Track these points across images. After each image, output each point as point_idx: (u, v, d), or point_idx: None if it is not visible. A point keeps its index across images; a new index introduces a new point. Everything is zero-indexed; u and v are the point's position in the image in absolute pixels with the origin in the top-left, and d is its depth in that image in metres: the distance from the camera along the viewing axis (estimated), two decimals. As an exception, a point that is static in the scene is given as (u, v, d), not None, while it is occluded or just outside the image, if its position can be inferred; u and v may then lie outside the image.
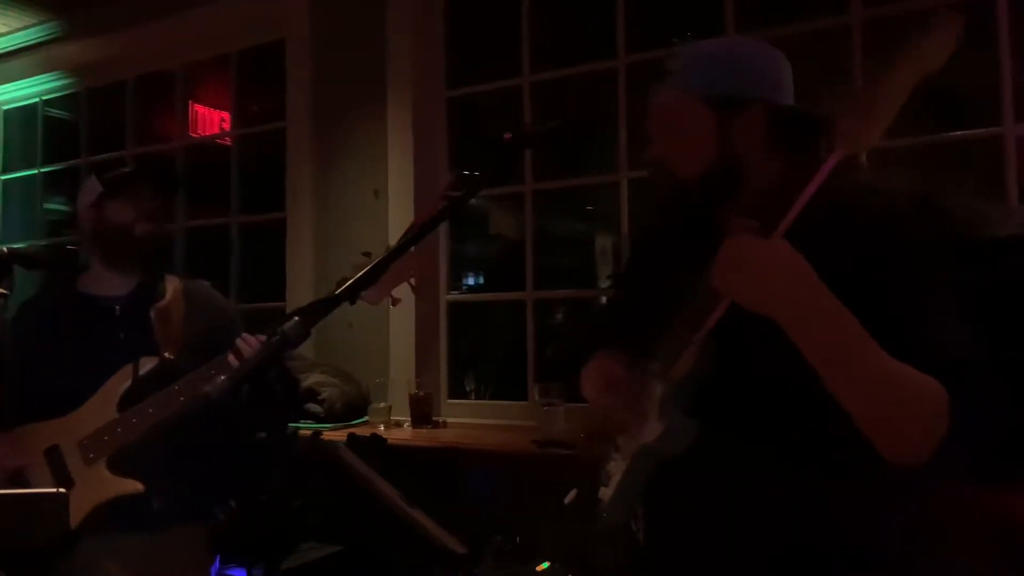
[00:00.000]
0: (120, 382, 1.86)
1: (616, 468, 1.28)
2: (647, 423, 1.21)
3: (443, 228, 3.11)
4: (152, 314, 1.94)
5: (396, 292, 1.60)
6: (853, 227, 1.10)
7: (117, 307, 1.95)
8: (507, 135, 1.16)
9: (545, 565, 2.20)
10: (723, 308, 1.08)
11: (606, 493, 1.28)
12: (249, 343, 1.81)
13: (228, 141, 4.02)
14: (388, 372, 2.96)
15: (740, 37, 1.41)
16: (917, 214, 1.16)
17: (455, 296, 3.14)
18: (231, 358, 1.79)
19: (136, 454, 1.82)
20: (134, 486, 1.80)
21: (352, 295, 1.04)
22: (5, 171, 4.47)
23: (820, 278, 1.01)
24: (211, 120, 4.46)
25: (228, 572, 2.36)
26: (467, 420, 2.91)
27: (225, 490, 1.96)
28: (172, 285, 2.03)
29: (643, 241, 1.52)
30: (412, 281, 1.65)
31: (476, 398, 3.10)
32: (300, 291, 3.29)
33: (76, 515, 1.76)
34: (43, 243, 1.75)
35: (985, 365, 1.06)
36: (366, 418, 2.87)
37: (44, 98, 4.35)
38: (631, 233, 2.71)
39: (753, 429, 1.14)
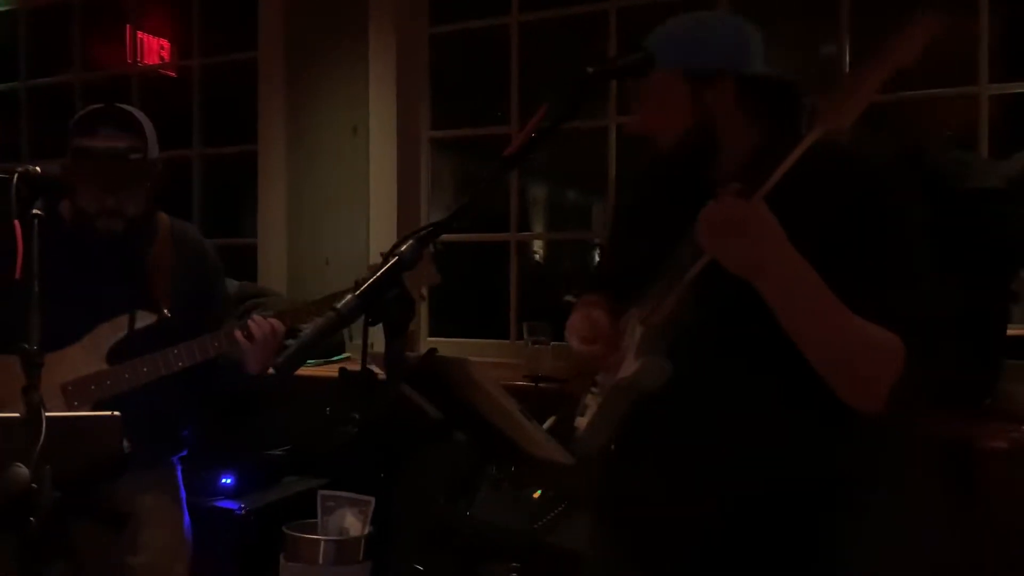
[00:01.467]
0: (113, 331, 1.78)
1: (593, 401, 1.36)
2: (625, 361, 1.29)
3: (424, 171, 3.11)
4: (147, 261, 1.84)
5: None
6: (830, 192, 1.20)
7: (111, 244, 1.80)
8: (590, 68, 1.18)
9: (538, 492, 2.30)
10: (704, 262, 1.17)
11: (582, 423, 1.36)
12: (261, 327, 1.75)
13: (172, 72, 3.88)
14: (368, 310, 2.97)
15: (706, 12, 1.50)
16: (896, 174, 1.25)
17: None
18: (238, 334, 1.73)
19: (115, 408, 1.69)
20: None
21: (459, 218, 1.07)
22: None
23: (794, 238, 1.11)
24: (150, 47, 4.28)
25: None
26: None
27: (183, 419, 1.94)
28: (162, 225, 1.91)
29: (627, 207, 1.60)
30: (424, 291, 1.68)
31: (455, 336, 3.14)
32: (272, 229, 3.24)
33: None
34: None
35: (945, 322, 1.19)
36: (347, 354, 2.88)
37: (-22, 16, 4.06)
38: (616, 199, 2.75)
39: (725, 371, 1.24)
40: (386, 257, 1.00)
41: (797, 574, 1.25)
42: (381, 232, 3.00)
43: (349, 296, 0.96)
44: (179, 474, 1.98)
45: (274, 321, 1.77)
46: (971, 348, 1.99)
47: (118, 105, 1.80)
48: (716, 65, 1.28)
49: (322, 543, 0.87)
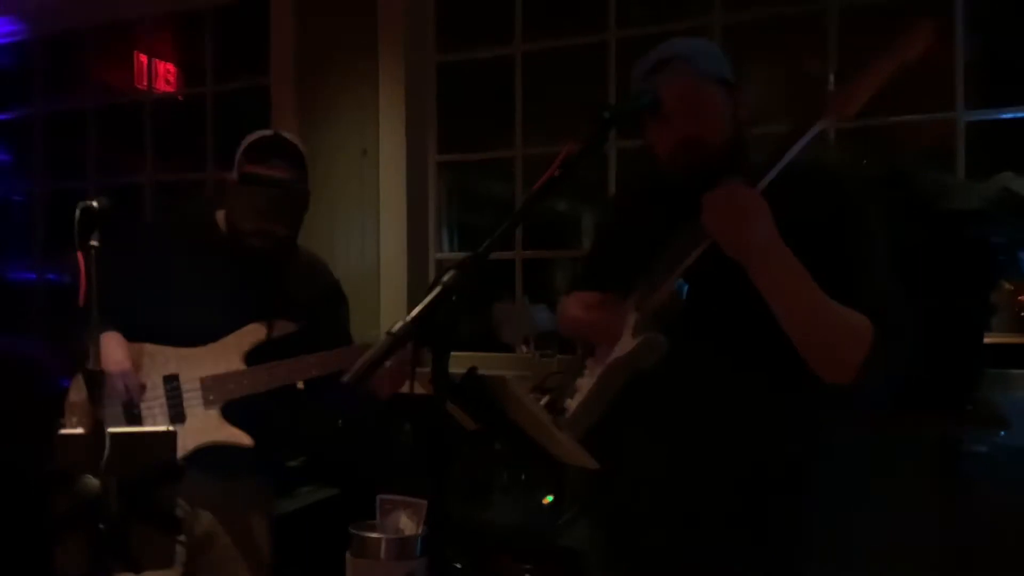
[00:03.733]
0: (254, 335, 1.90)
1: (584, 384, 1.44)
2: (620, 343, 1.38)
3: (432, 190, 3.25)
4: (286, 276, 1.98)
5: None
6: (813, 199, 1.35)
7: (261, 255, 1.93)
8: (606, 113, 1.31)
9: (549, 498, 2.42)
10: (703, 247, 1.29)
11: (571, 404, 1.43)
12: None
13: (180, 96, 3.99)
14: (379, 327, 3.09)
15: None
16: (866, 190, 1.42)
17: (445, 255, 3.28)
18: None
19: (246, 409, 1.88)
20: (243, 438, 1.87)
21: (494, 248, 1.18)
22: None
23: (782, 227, 1.25)
24: (155, 72, 4.40)
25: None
26: (459, 370, 3.07)
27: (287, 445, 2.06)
28: (299, 249, 2.07)
29: (629, 200, 1.69)
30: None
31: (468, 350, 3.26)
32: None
33: (180, 450, 1.80)
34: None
35: (909, 309, 1.32)
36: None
37: (-8, 43, 4.18)
38: (617, 193, 2.84)
39: (717, 351, 1.36)
40: (431, 286, 1.13)
41: (776, 556, 1.37)
42: (391, 253, 3.13)
43: (401, 322, 1.10)
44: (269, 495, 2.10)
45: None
46: (951, 355, 2.14)
47: (285, 136, 1.96)
48: (733, 79, 1.44)
49: (383, 540, 0.99)
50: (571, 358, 1.57)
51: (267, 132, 1.96)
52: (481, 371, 1.18)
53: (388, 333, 1.08)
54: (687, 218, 1.31)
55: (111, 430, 1.44)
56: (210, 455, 1.85)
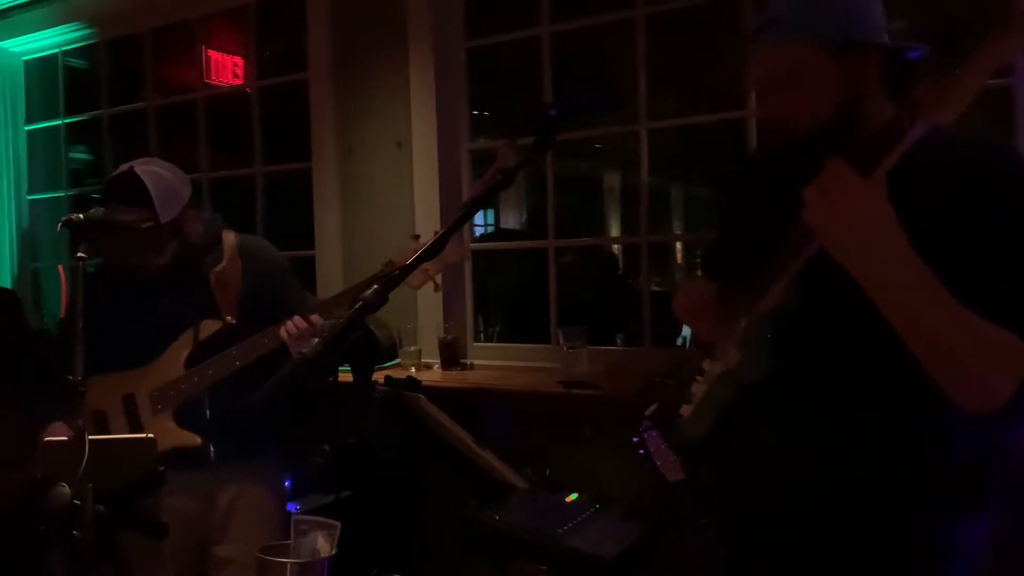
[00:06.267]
0: (186, 343, 2.03)
1: (699, 389, 1.38)
2: (730, 350, 1.31)
3: (464, 181, 3.21)
4: (212, 278, 2.06)
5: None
6: (939, 185, 1.13)
7: (163, 273, 2.05)
8: (552, 111, 1.23)
9: (574, 496, 2.37)
10: (812, 248, 1.14)
11: (687, 410, 1.39)
12: (297, 324, 1.92)
13: (249, 89, 4.08)
14: (417, 318, 3.10)
15: None
16: (1008, 166, 1.17)
17: (478, 245, 3.25)
18: (282, 330, 1.93)
19: (196, 408, 2.01)
20: (193, 439, 1.99)
21: (415, 267, 1.15)
22: (28, 122, 4.54)
23: (910, 227, 1.04)
24: (224, 66, 4.51)
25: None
26: (493, 362, 3.05)
27: (281, 432, 2.13)
28: (228, 243, 2.13)
29: (740, 188, 1.54)
30: (438, 279, 1.82)
31: (499, 341, 3.24)
32: (328, 241, 3.40)
33: None
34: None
35: None
36: (398, 360, 3.01)
37: (63, 48, 4.39)
38: (728, 179, 2.67)
39: (827, 369, 1.22)
40: (352, 303, 1.10)
41: None
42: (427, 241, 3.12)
43: (316, 341, 1.07)
44: (279, 472, 2.22)
45: (313, 316, 1.95)
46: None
47: (133, 172, 1.97)
48: (865, 37, 1.20)
49: (288, 565, 0.98)
50: (684, 360, 1.50)
51: (122, 168, 2.00)
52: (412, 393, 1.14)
53: (300, 353, 1.06)
54: (795, 212, 1.14)
55: (91, 437, 1.47)
56: (188, 454, 1.96)
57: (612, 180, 6.85)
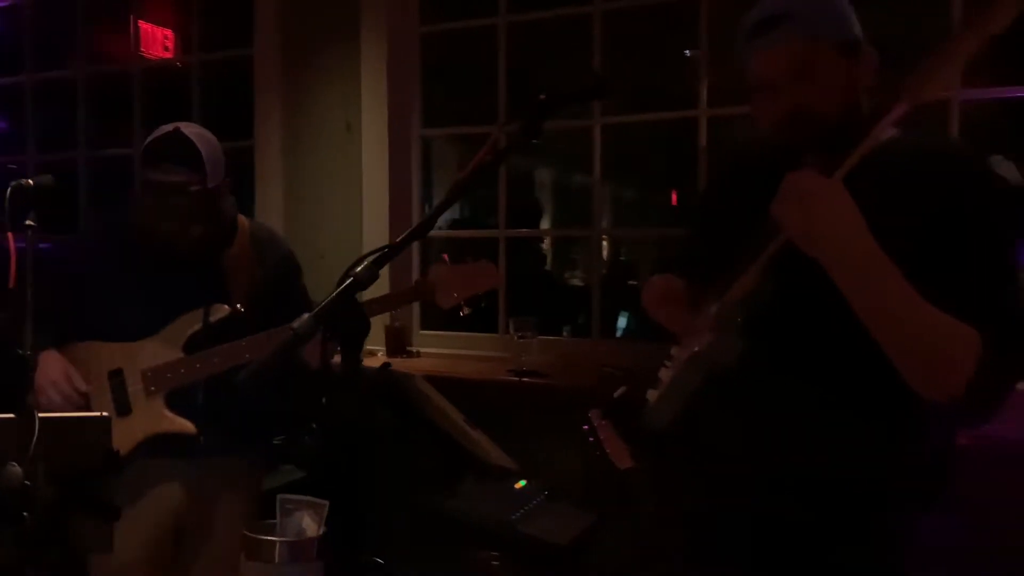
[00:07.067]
0: (190, 324, 1.90)
1: (666, 375, 1.39)
2: (699, 335, 1.32)
3: (415, 168, 3.18)
4: (224, 261, 1.96)
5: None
6: (917, 186, 1.19)
7: (190, 247, 1.93)
8: (542, 96, 1.24)
9: (522, 483, 2.38)
10: (781, 240, 1.18)
11: (653, 395, 1.38)
12: None
13: (179, 63, 3.93)
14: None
15: None
16: (984, 170, 1.23)
17: (436, 233, 3.23)
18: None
19: (189, 394, 1.90)
20: (185, 426, 1.87)
21: (404, 247, 1.12)
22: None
23: (877, 224, 1.10)
24: (154, 37, 4.34)
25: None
26: (439, 351, 3.05)
27: (274, 424, 2.05)
28: (241, 229, 2.04)
29: (722, 178, 1.58)
30: (464, 310, 1.75)
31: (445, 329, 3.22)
32: (270, 222, 3.31)
33: (128, 442, 1.83)
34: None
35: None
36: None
37: (-18, 9, 4.14)
38: (709, 172, 2.68)
39: (795, 359, 1.26)
40: (342, 277, 1.08)
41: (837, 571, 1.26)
42: (374, 227, 3.08)
43: (306, 315, 1.05)
44: (261, 470, 2.12)
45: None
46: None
47: (182, 133, 1.87)
48: (860, 37, 1.26)
49: (278, 544, 0.95)
50: (657, 346, 1.49)
51: (166, 128, 1.89)
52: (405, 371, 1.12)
53: (290, 328, 1.03)
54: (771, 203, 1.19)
55: (41, 415, 1.40)
56: (178, 441, 1.87)
57: (543, 176, 6.92)
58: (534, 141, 1.22)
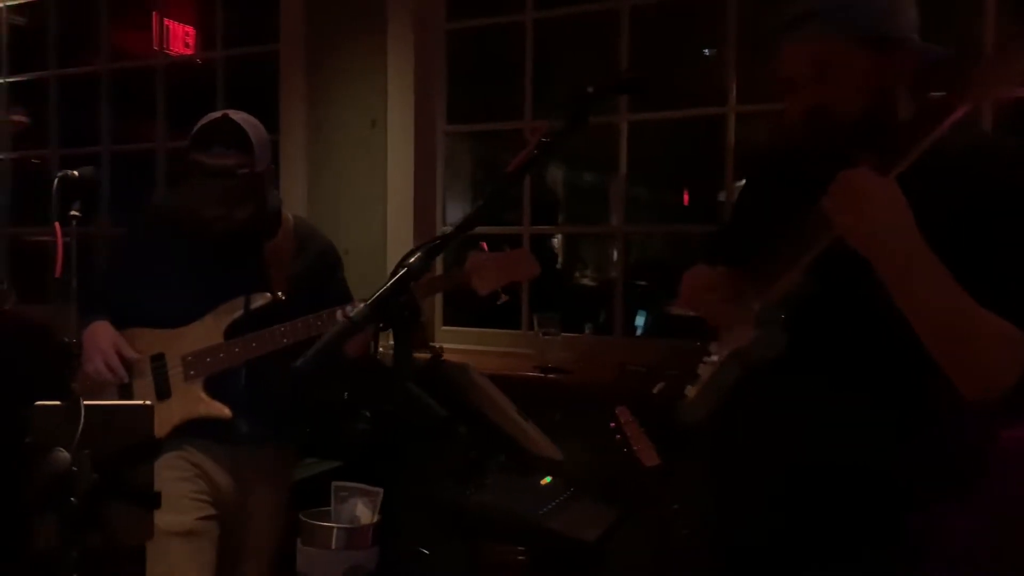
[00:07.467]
0: (231, 311, 1.93)
1: (705, 370, 1.38)
2: (741, 331, 1.31)
3: (439, 164, 3.19)
4: (267, 252, 1.99)
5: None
6: (963, 180, 1.17)
7: (235, 232, 1.94)
8: (590, 88, 1.24)
9: (548, 479, 2.38)
10: (830, 238, 1.17)
11: (691, 391, 1.38)
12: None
13: (199, 60, 3.96)
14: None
15: None
16: None
17: (450, 228, 3.23)
18: (339, 313, 1.85)
19: (228, 380, 1.93)
20: (221, 410, 1.90)
21: (466, 229, 1.14)
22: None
23: (924, 221, 1.10)
24: (175, 34, 4.36)
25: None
26: (461, 346, 3.05)
27: (309, 414, 2.07)
28: (285, 220, 2.08)
29: (760, 178, 1.56)
30: (503, 297, 1.76)
31: (468, 325, 3.23)
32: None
33: (166, 425, 1.86)
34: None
35: None
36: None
37: (8, 4, 4.17)
38: (744, 168, 2.65)
39: (839, 352, 1.25)
40: (396, 268, 1.09)
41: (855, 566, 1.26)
42: (398, 223, 3.09)
43: (362, 304, 1.06)
44: (294, 462, 2.08)
45: None
46: None
47: (230, 118, 1.90)
48: (899, 33, 1.24)
49: (335, 530, 0.96)
50: (693, 341, 1.49)
51: (215, 115, 1.92)
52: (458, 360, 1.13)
53: (346, 316, 1.04)
54: (816, 200, 1.17)
55: (86, 403, 1.42)
56: (217, 426, 1.90)
57: (555, 174, 6.91)
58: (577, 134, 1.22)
